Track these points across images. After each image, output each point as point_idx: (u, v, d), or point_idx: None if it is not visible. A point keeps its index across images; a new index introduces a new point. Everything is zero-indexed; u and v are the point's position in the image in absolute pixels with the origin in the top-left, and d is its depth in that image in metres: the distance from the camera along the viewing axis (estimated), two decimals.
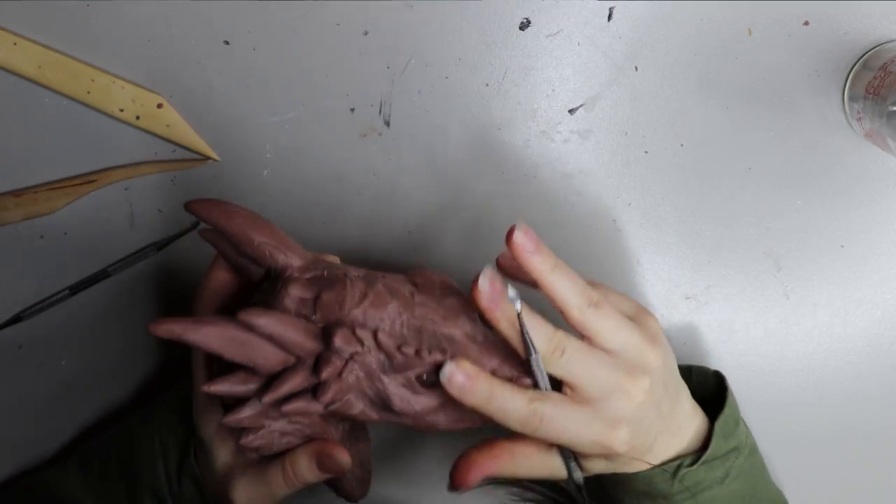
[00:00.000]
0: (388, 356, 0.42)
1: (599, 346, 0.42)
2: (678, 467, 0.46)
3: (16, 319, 0.57)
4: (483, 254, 0.57)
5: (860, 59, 0.54)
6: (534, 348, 0.41)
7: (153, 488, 0.49)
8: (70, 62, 0.54)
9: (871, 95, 0.50)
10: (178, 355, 0.53)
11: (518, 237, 0.41)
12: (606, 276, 0.57)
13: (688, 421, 0.47)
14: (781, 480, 0.59)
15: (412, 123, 0.55)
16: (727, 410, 0.49)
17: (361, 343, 0.41)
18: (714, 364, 0.58)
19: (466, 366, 0.41)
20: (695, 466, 0.46)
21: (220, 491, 0.47)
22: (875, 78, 0.51)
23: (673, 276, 0.57)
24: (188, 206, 0.45)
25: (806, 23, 0.54)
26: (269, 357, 0.41)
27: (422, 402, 0.42)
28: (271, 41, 0.54)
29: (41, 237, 0.56)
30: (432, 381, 0.42)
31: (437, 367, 0.41)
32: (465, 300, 0.44)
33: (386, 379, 0.42)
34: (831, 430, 0.59)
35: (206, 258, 0.57)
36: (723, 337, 0.58)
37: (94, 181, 0.55)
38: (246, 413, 0.42)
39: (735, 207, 0.57)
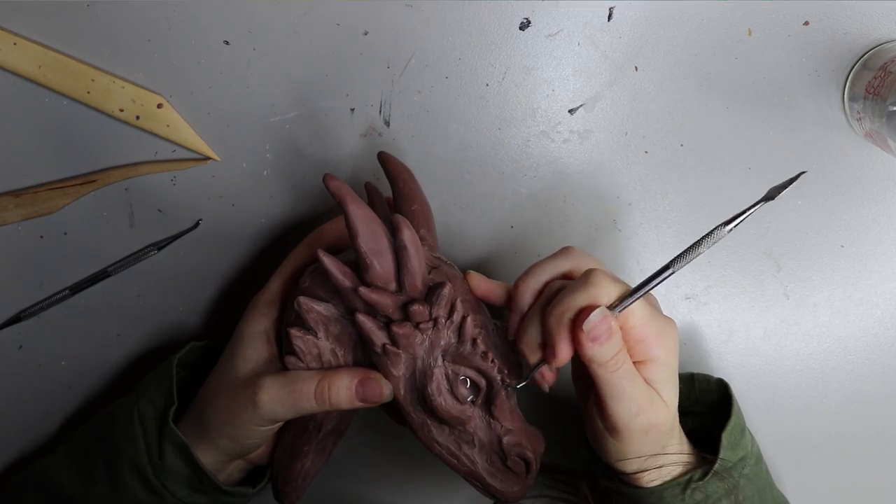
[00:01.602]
0: (461, 341, 0.44)
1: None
2: (688, 482, 0.46)
3: (16, 319, 0.57)
4: (483, 254, 0.57)
5: (860, 59, 0.54)
6: None
7: (132, 460, 0.48)
8: (70, 62, 0.54)
9: (871, 95, 0.50)
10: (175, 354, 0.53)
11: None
12: None
13: (682, 436, 0.48)
14: (781, 480, 0.59)
15: (412, 123, 0.55)
16: (734, 420, 0.49)
17: (452, 312, 0.44)
18: (714, 364, 0.58)
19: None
20: (705, 480, 0.46)
21: (238, 396, 0.46)
22: (875, 78, 0.51)
23: (673, 275, 0.57)
24: (381, 155, 0.50)
25: (806, 23, 0.54)
26: (384, 266, 0.43)
27: (446, 403, 0.44)
28: (271, 41, 0.54)
29: (41, 237, 0.56)
30: (466, 396, 0.44)
31: (485, 381, 0.44)
32: None
33: (439, 361, 0.44)
34: (831, 430, 0.59)
35: (206, 258, 0.57)
36: (723, 337, 0.58)
37: (94, 181, 0.55)
38: (319, 307, 0.45)
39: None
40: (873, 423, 0.59)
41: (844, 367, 0.58)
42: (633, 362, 0.43)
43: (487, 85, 0.55)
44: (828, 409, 0.59)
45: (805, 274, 0.57)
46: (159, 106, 0.54)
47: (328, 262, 0.43)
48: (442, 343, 0.44)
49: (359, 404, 0.44)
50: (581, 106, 0.56)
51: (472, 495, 0.61)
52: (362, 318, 0.44)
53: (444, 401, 0.44)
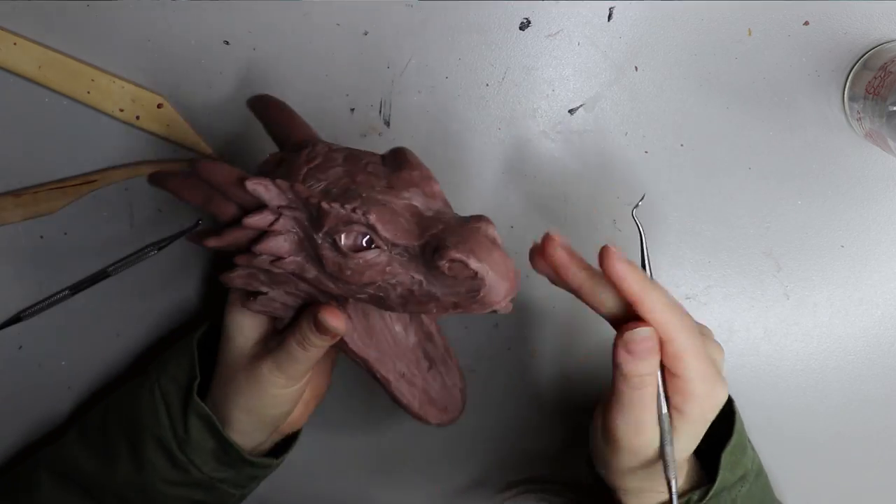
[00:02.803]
0: (309, 208, 0.42)
1: None
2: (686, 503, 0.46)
3: (16, 319, 0.57)
4: None
5: (860, 59, 0.54)
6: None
7: (156, 436, 0.49)
8: (70, 62, 0.54)
9: (871, 95, 0.50)
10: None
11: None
12: None
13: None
14: (781, 481, 0.59)
15: (412, 123, 0.55)
16: (735, 439, 0.48)
17: (289, 195, 0.42)
18: None
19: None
20: (703, 501, 0.46)
21: (248, 375, 0.47)
22: (875, 78, 0.51)
23: (673, 276, 0.57)
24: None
25: (806, 23, 0.54)
26: (221, 207, 0.44)
27: (352, 265, 0.41)
28: (271, 41, 0.54)
29: (41, 237, 0.56)
30: (359, 244, 0.41)
31: (361, 227, 0.41)
32: (423, 176, 0.44)
33: (319, 240, 0.42)
34: (831, 431, 0.59)
35: (206, 258, 0.57)
36: (723, 337, 0.58)
37: (94, 181, 0.55)
38: (236, 272, 0.45)
39: (735, 207, 0.57)
40: (873, 423, 0.59)
41: (844, 367, 0.58)
42: (672, 403, 0.43)
43: (487, 85, 0.55)
44: (828, 409, 0.59)
45: (805, 274, 0.57)
46: (159, 106, 0.54)
47: (211, 242, 0.45)
48: (305, 222, 0.42)
49: (324, 338, 0.45)
50: (581, 106, 0.56)
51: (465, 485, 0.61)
52: (238, 260, 0.44)
53: (346, 264, 0.41)
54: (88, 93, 0.54)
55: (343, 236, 0.41)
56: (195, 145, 0.55)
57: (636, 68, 0.55)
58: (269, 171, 0.45)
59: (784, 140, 0.56)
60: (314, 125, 0.55)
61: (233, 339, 0.48)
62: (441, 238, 0.39)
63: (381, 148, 0.55)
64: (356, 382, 0.57)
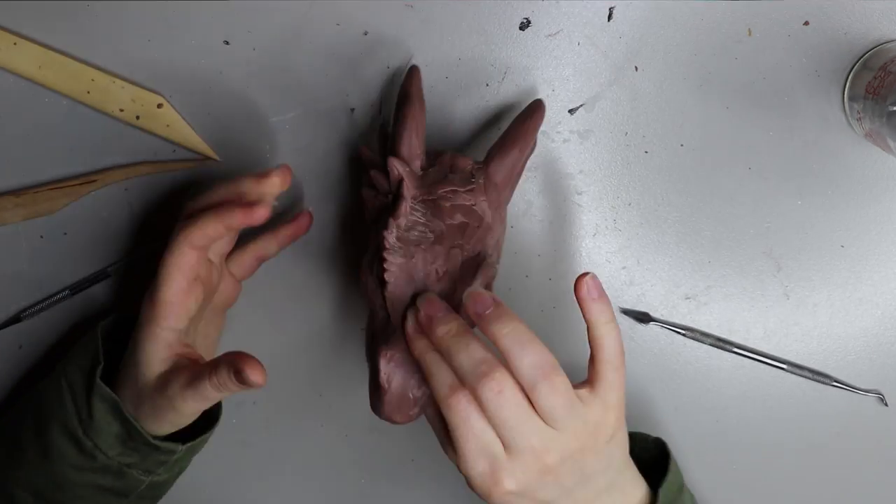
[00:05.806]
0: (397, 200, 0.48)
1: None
2: None
3: (16, 319, 0.57)
4: None
5: (860, 59, 0.54)
6: None
7: (62, 422, 0.49)
8: (70, 62, 0.54)
9: (871, 95, 0.50)
10: None
11: (586, 281, 0.45)
12: (607, 277, 0.57)
13: (630, 492, 0.48)
14: (781, 481, 0.59)
15: None
16: (670, 477, 0.49)
17: (400, 190, 0.48)
18: (714, 364, 0.58)
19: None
20: None
21: (154, 398, 0.47)
22: (875, 78, 0.51)
23: (673, 276, 0.57)
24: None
25: (806, 23, 0.54)
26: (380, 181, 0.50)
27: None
28: (271, 41, 0.54)
29: (41, 237, 0.56)
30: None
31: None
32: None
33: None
34: (831, 431, 0.59)
35: None
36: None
37: (94, 181, 0.55)
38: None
39: (735, 207, 0.57)
40: (873, 423, 0.59)
41: (844, 367, 0.58)
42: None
43: (487, 85, 0.55)
44: (828, 409, 0.59)
45: (805, 274, 0.57)
46: (159, 106, 0.54)
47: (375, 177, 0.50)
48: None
49: (244, 387, 0.45)
50: (581, 106, 0.56)
51: None
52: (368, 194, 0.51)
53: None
54: (88, 93, 0.54)
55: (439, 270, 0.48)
56: (195, 145, 0.55)
57: (636, 68, 0.55)
58: (433, 166, 0.50)
59: (784, 140, 0.56)
60: (314, 125, 0.55)
61: (140, 366, 0.47)
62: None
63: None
64: (359, 383, 0.57)
